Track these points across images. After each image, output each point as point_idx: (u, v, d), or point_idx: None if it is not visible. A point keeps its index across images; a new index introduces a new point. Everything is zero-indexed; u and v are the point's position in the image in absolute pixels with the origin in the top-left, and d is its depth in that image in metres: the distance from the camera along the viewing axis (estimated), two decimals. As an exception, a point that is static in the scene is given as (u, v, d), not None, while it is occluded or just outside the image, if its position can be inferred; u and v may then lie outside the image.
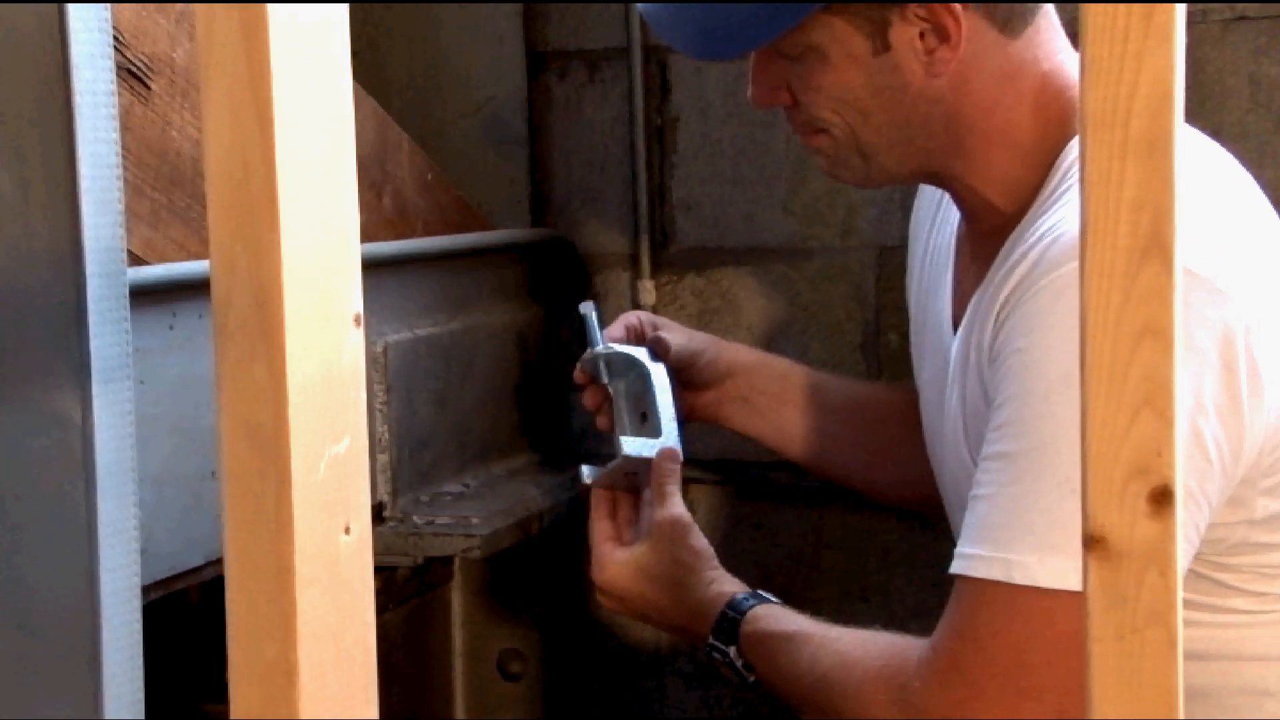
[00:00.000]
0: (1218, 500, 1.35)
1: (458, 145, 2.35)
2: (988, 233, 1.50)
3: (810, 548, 2.29)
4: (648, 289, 2.31)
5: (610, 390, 1.67)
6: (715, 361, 1.76)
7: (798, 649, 1.48)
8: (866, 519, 2.24)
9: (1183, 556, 1.04)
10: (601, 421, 1.69)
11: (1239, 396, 1.32)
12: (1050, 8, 1.48)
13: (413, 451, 1.96)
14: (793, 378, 1.80)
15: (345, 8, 0.82)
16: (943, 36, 1.42)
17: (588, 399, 1.69)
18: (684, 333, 1.76)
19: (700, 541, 1.58)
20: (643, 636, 2.34)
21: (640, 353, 1.69)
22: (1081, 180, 0.79)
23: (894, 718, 1.38)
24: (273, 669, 0.81)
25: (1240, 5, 2.02)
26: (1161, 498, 0.79)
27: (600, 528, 1.63)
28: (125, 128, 1.18)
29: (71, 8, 1.11)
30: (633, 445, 1.62)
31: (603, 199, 2.34)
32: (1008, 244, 1.44)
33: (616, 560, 1.59)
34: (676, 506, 1.59)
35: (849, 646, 1.45)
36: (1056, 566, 1.30)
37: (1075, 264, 1.28)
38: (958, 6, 1.41)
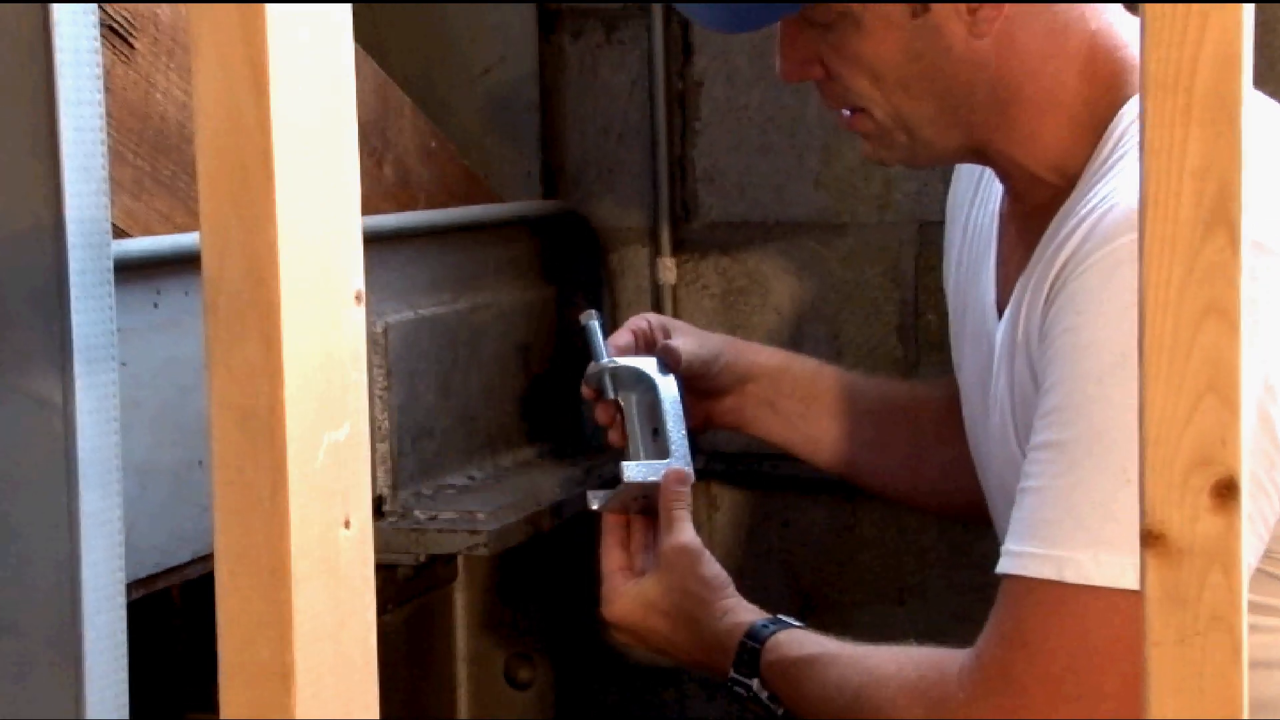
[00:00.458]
0: (1288, 493, 1.34)
1: (463, 111, 2.35)
2: (1034, 210, 1.49)
3: (842, 547, 2.29)
4: (668, 267, 2.31)
5: (620, 403, 1.67)
6: (734, 365, 1.76)
7: (824, 671, 1.48)
8: (903, 515, 2.24)
9: (1249, 554, 1.04)
10: (613, 437, 1.69)
11: (1310, 380, 1.31)
12: (1097, -38, 1.48)
13: (415, 441, 1.97)
14: (821, 380, 1.79)
15: (345, -40, 0.82)
16: (987, -8, 1.42)
17: (599, 414, 1.69)
18: (697, 336, 1.75)
19: (712, 569, 1.57)
20: (661, 642, 2.34)
21: (648, 364, 1.68)
22: (1141, 147, 0.79)
23: (934, 732, 1.38)
24: (266, 671, 0.81)
25: (1312, -39, 2.01)
26: (1225, 491, 0.79)
27: (611, 557, 1.63)
28: (106, 89, 1.18)
29: (50, -40, 1.11)
30: (635, 470, 1.62)
31: (619, 170, 2.34)
32: (1056, 219, 1.44)
33: (626, 594, 1.59)
34: (685, 534, 1.58)
35: (880, 662, 1.45)
36: (1112, 564, 1.29)
37: (1131, 237, 1.29)
38: (1002, -42, 1.41)
